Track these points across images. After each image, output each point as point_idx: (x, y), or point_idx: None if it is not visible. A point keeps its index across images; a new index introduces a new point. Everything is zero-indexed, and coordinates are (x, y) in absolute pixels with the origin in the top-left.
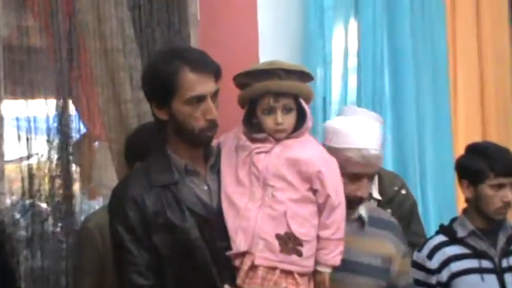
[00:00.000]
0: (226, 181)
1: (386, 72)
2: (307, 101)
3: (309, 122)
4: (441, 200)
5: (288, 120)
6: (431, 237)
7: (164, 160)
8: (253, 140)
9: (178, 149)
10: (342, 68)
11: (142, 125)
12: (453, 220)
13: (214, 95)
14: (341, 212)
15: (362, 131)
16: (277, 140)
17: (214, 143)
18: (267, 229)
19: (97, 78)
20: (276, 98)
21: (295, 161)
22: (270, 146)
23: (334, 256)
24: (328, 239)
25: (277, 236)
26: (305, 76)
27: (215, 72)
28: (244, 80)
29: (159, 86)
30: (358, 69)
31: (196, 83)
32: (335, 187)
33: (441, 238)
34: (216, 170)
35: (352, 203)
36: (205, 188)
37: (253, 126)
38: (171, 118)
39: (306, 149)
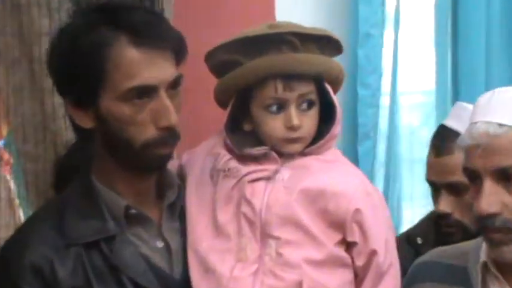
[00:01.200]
0: (196, 231)
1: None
2: (335, 86)
3: (338, 126)
4: None
5: (307, 122)
6: None
7: (89, 198)
8: (244, 159)
9: (113, 178)
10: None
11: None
12: None
13: (174, 86)
14: (393, 281)
15: None
16: (287, 158)
17: (173, 166)
18: None
19: None
20: (288, 84)
21: (318, 194)
22: (273, 169)
23: None
24: None
25: None
26: (332, 46)
27: (175, 47)
28: (227, 56)
29: (77, 70)
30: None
31: (139, 66)
32: (383, 237)
33: None
34: (179, 213)
35: None
36: (160, 244)
37: (242, 137)
38: (99, 125)
39: (335, 174)
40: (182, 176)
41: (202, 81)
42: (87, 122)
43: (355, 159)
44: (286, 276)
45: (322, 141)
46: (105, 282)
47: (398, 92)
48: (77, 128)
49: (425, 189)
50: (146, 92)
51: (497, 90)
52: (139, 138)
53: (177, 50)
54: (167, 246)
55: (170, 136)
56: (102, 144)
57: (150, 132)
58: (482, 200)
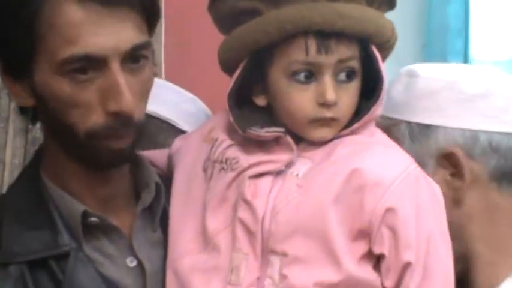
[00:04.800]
0: (179, 243)
1: None
2: (384, 52)
3: (381, 105)
4: None
5: (346, 99)
6: None
7: (37, 201)
8: (248, 146)
9: (67, 176)
10: None
11: None
12: None
13: (134, 58)
14: None
15: None
16: (307, 145)
17: (162, 156)
18: None
19: None
20: (324, 44)
21: (341, 189)
22: (285, 160)
23: None
24: None
25: None
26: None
27: (142, 2)
28: (242, 2)
29: (4, 31)
30: None
31: (82, 28)
32: (424, 247)
33: None
34: (160, 219)
35: None
36: (132, 263)
37: (251, 114)
38: (38, 105)
39: (368, 159)
40: (171, 170)
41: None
42: (25, 99)
43: None
44: None
45: (356, 125)
46: None
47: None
48: (19, 107)
49: None
50: (92, 64)
51: None
52: (83, 124)
53: (146, 7)
54: (140, 265)
55: (123, 125)
56: (47, 131)
57: (96, 118)
58: None
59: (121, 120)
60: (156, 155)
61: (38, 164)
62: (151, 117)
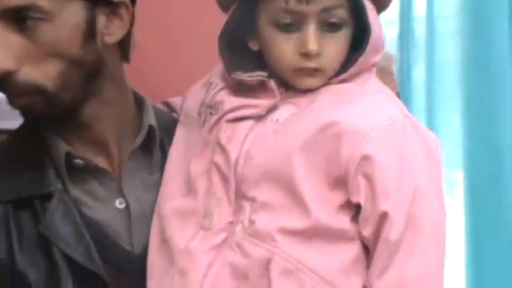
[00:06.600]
0: (168, 188)
1: None
2: (381, 4)
3: (376, 54)
4: None
5: (330, 49)
6: None
7: (30, 140)
8: (237, 91)
9: None
10: None
11: None
12: None
13: (20, 18)
14: (419, 264)
15: None
16: (296, 91)
17: (177, 104)
18: None
19: None
20: None
21: (318, 137)
22: (266, 105)
23: None
24: None
25: None
26: None
27: None
28: None
29: None
30: None
31: None
32: (407, 197)
33: None
34: (160, 162)
35: None
36: (121, 205)
37: (244, 58)
38: None
39: (353, 107)
40: (172, 114)
41: None
42: None
43: None
44: (253, 252)
45: (343, 75)
46: (31, 255)
47: None
48: None
49: None
50: None
51: None
52: None
53: None
54: (127, 207)
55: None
56: None
57: None
58: None
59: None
60: (176, 101)
61: None
62: None
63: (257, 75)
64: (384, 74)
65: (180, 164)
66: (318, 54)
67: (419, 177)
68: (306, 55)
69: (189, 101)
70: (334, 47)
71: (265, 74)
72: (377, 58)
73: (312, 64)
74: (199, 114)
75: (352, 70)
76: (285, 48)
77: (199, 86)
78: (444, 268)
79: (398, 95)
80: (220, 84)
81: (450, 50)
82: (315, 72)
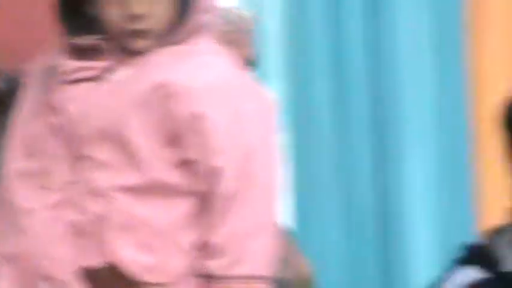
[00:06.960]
0: (11, 149)
1: None
2: None
3: (204, 13)
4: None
5: (157, 9)
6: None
7: None
8: (77, 54)
9: None
10: None
11: None
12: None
13: None
14: (252, 214)
15: None
16: (134, 53)
17: None
18: (64, 256)
19: None
20: None
21: (152, 97)
22: (101, 67)
23: None
24: (223, 277)
25: (86, 272)
26: None
27: None
28: None
29: None
30: None
31: None
32: (239, 153)
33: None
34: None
35: None
36: None
37: (85, 22)
38: None
39: (185, 67)
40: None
41: None
42: None
43: None
44: (91, 209)
45: (174, 35)
46: None
47: None
48: None
49: None
50: None
51: None
52: None
53: None
54: None
55: None
56: None
57: None
58: None
59: None
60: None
61: None
62: None
63: (90, 39)
64: (240, 35)
65: (23, 126)
66: (143, 16)
67: (253, 135)
68: (133, 17)
69: (34, 66)
70: (160, 8)
71: (98, 37)
72: (206, 18)
73: (139, 26)
74: (41, 77)
75: (181, 30)
76: (113, 11)
77: (43, 52)
78: (275, 222)
79: (256, 57)
80: (61, 49)
81: None
82: (144, 33)
